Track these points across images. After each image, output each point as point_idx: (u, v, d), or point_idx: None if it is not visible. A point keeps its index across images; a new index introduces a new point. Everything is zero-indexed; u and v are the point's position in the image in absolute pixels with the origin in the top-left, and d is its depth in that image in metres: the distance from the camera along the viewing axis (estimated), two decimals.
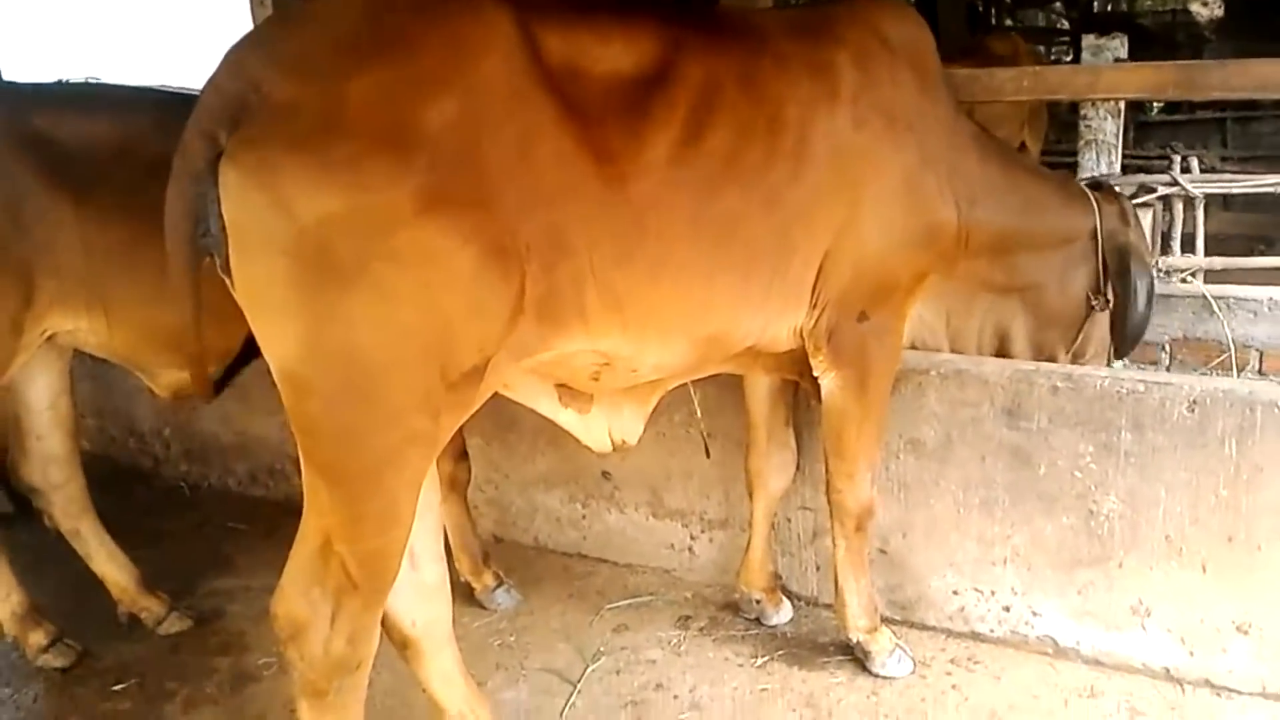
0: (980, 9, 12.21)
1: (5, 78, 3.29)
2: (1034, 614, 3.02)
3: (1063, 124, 8.37)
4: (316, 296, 1.85)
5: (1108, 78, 3.09)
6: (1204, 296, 3.83)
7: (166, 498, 4.54)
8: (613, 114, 2.18)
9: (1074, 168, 5.39)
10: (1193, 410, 2.74)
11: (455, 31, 2.00)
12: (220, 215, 1.89)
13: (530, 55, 2.06)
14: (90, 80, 8.24)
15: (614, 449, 2.74)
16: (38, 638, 3.22)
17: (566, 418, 2.66)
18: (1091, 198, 3.16)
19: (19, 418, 3.23)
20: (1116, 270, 3.13)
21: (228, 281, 1.99)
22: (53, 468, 3.27)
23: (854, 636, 2.99)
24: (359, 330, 1.88)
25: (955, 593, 3.13)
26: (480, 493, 3.88)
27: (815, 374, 2.73)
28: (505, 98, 2.01)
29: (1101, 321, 3.25)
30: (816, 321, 2.64)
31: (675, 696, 2.92)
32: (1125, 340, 3.21)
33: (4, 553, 3.20)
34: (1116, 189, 3.32)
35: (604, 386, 2.53)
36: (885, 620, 3.17)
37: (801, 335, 2.67)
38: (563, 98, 2.09)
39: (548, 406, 2.64)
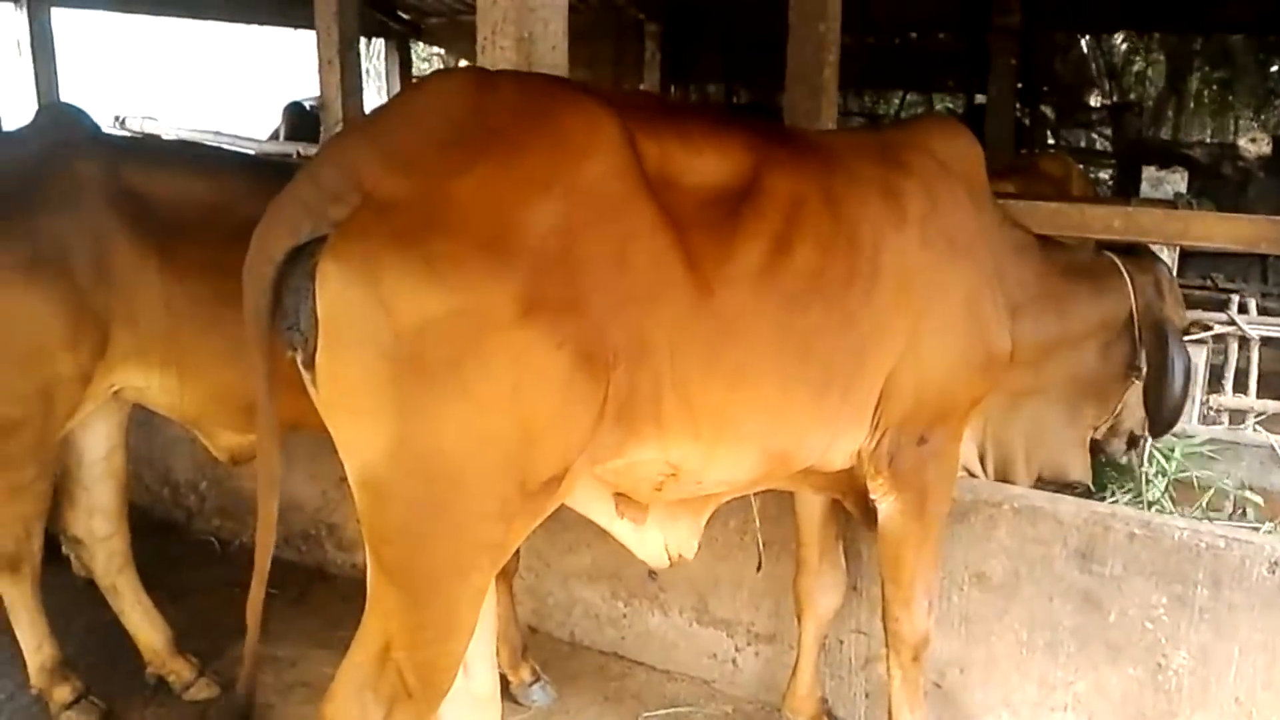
0: (1025, 124, 12.36)
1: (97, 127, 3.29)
2: None
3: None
4: (407, 398, 1.81)
5: (1199, 226, 3.08)
6: (1271, 447, 3.76)
7: (197, 552, 4.47)
8: (704, 222, 2.17)
9: None
10: (1273, 572, 2.67)
11: (561, 131, 2.00)
12: (313, 311, 1.87)
13: (631, 159, 2.06)
14: (148, 119, 8.38)
15: (670, 563, 2.68)
16: (63, 693, 3.14)
17: (621, 528, 2.61)
18: (1125, 274, 3.11)
19: (70, 467, 3.19)
20: (1153, 345, 3.08)
21: (307, 377, 1.97)
22: (99, 520, 3.23)
23: None
24: (444, 435, 1.84)
25: None
26: (519, 580, 3.80)
27: (873, 497, 2.68)
28: (606, 201, 2.00)
29: (1138, 391, 3.20)
30: (878, 444, 2.60)
31: None
32: (1161, 417, 3.14)
33: (41, 603, 3.13)
34: (1151, 254, 3.26)
35: (664, 498, 2.48)
36: None
37: (860, 457, 2.63)
38: (659, 204, 2.09)
39: (602, 516, 2.58)
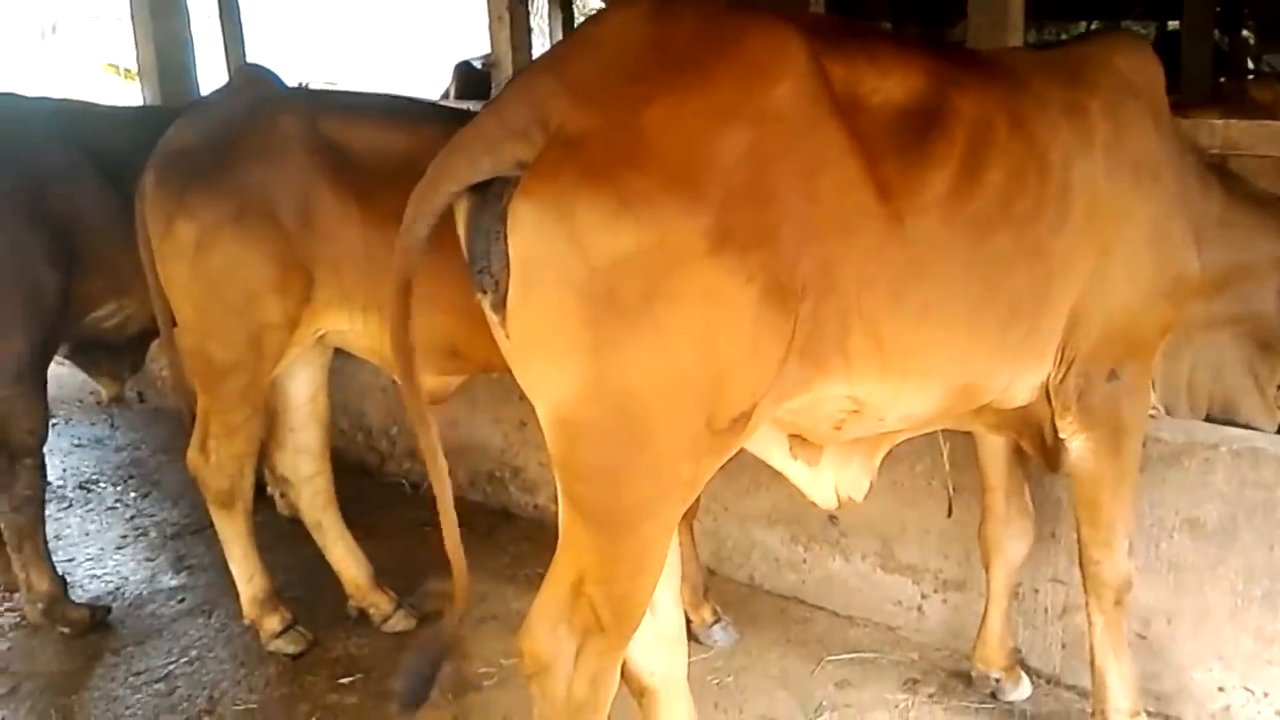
0: (1225, 49, 11.45)
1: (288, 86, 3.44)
2: None
3: None
4: (601, 336, 1.80)
5: None
6: None
7: (389, 494, 4.68)
8: (892, 148, 2.08)
9: None
10: None
11: (747, 56, 1.93)
12: (504, 252, 1.87)
13: (820, 83, 1.98)
14: (329, 84, 8.73)
15: (839, 505, 2.63)
16: (273, 623, 3.35)
17: (796, 470, 2.56)
18: None
19: (278, 410, 3.37)
20: None
21: (495, 320, 1.97)
22: (305, 460, 3.40)
23: (1112, 719, 2.76)
24: (638, 372, 1.83)
25: (1221, 689, 2.85)
26: (697, 523, 3.82)
27: (1063, 435, 2.56)
28: (797, 127, 1.93)
29: None
30: (1064, 379, 2.48)
31: None
32: None
33: (253, 537, 3.33)
34: None
35: (844, 436, 2.41)
36: None
37: (1047, 394, 2.50)
38: (848, 129, 2.00)
39: (778, 457, 2.54)
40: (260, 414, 3.19)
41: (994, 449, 2.85)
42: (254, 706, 3.09)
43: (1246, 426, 3.01)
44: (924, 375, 2.24)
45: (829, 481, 2.55)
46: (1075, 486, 2.61)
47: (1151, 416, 2.87)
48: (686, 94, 1.86)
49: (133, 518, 4.53)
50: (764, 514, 3.67)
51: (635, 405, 1.85)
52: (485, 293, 1.97)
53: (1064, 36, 12.57)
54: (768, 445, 2.47)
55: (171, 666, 3.32)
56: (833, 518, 3.50)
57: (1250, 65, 12.22)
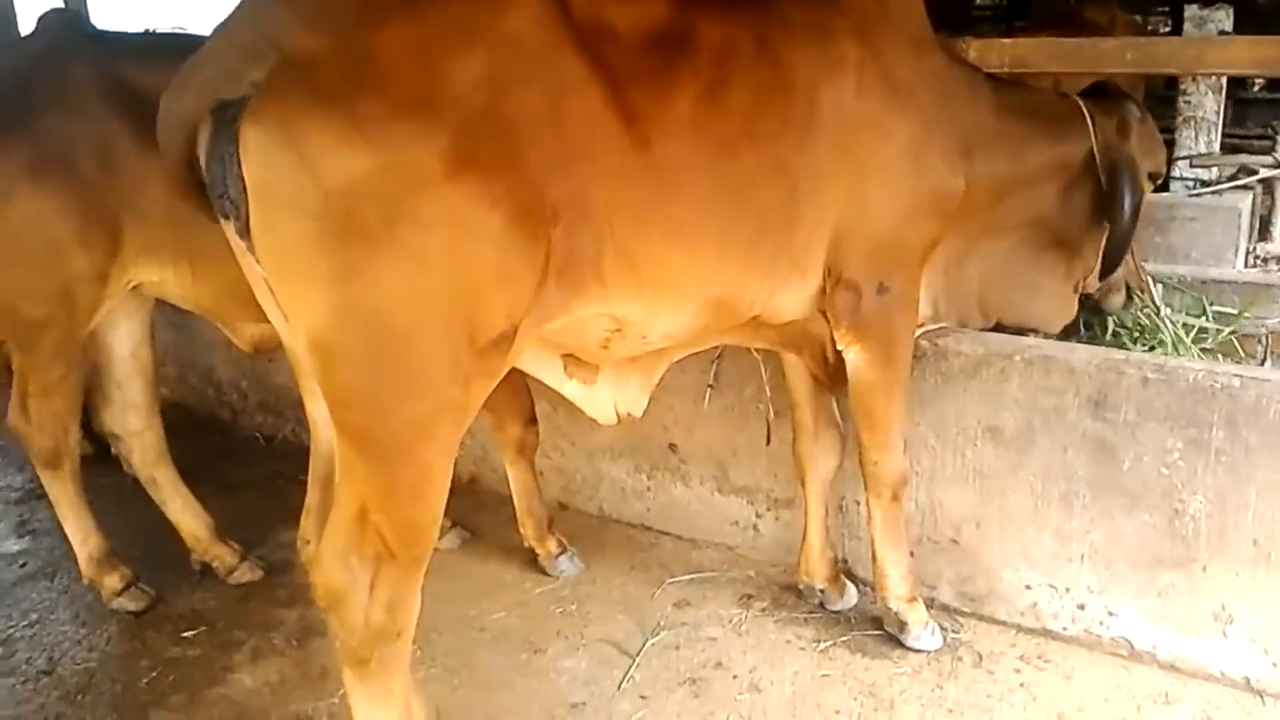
0: None
1: (95, 29, 3.30)
2: (1110, 614, 2.92)
3: (1159, 99, 8.04)
4: (343, 260, 1.81)
5: (1218, 51, 2.92)
6: None
7: (242, 448, 4.63)
8: (636, 73, 2.14)
9: (1171, 145, 5.17)
10: None
11: None
12: (240, 178, 1.84)
13: (558, 10, 2.02)
14: (178, 30, 8.36)
15: (619, 421, 2.73)
16: (113, 581, 3.31)
17: (572, 389, 2.65)
18: (1086, 114, 3.02)
19: (101, 365, 3.29)
20: (1108, 184, 3.00)
21: (242, 246, 1.96)
22: (132, 415, 3.34)
23: (893, 605, 2.95)
24: (386, 295, 1.84)
25: (1028, 588, 3.03)
26: (546, 459, 3.88)
27: (840, 348, 2.70)
28: (535, 53, 1.96)
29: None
30: (834, 293, 2.60)
31: (734, 676, 2.89)
32: (1107, 259, 3.09)
33: (84, 496, 3.27)
34: (1122, 95, 3.15)
35: (613, 355, 2.50)
36: (955, 612, 3.12)
37: (820, 310, 2.64)
38: (589, 55, 2.05)
39: (553, 377, 2.63)
40: (78, 371, 3.10)
41: (797, 366, 2.97)
42: (93, 665, 3.06)
43: (1038, 331, 3.19)
44: (677, 293, 2.33)
45: (607, 399, 2.63)
46: (853, 395, 2.76)
47: (932, 330, 3.02)
48: (420, 17, 1.86)
49: None
50: (608, 447, 3.74)
51: (386, 329, 1.86)
52: (228, 219, 1.95)
53: None
54: (541, 366, 2.54)
55: (11, 630, 3.26)
56: (672, 445, 3.59)
57: None
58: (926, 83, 2.65)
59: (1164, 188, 5.31)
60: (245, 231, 1.89)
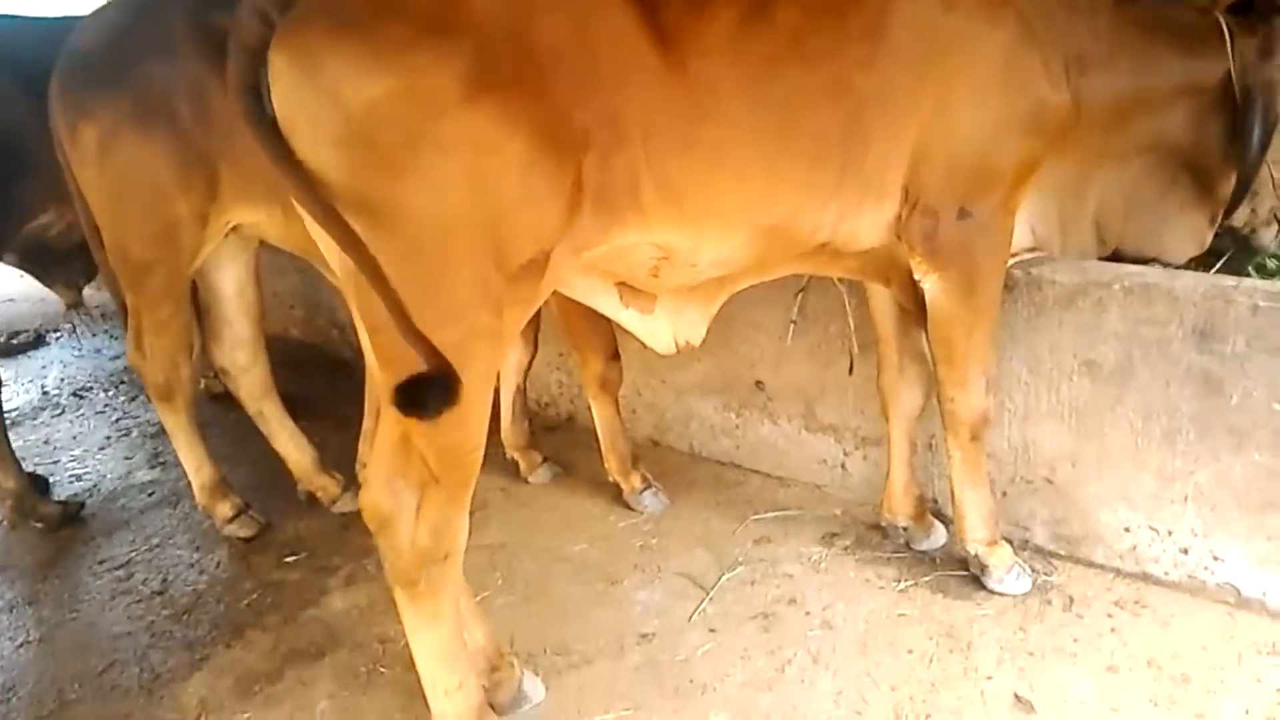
0: None
1: None
2: (1215, 559, 2.72)
3: None
4: (367, 186, 1.82)
5: None
6: None
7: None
8: None
9: None
10: None
11: None
12: (272, 104, 1.86)
13: None
14: None
15: (677, 350, 2.66)
16: (224, 509, 3.51)
17: (628, 317, 2.59)
18: (1226, 32, 2.71)
19: (210, 305, 3.47)
20: (1242, 109, 2.70)
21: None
22: (240, 352, 3.51)
23: (971, 549, 2.84)
24: (413, 221, 1.84)
25: (1127, 530, 2.86)
26: (638, 396, 3.88)
27: (916, 277, 2.55)
28: None
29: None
30: (909, 218, 2.45)
31: (807, 613, 2.84)
32: (1236, 191, 2.79)
33: (196, 429, 3.47)
34: (1274, 8, 2.79)
35: (664, 283, 2.43)
36: (1049, 554, 2.98)
37: (897, 234, 2.49)
38: None
39: (608, 305, 2.57)
40: (186, 308, 3.28)
41: (881, 299, 2.84)
42: (202, 587, 3.26)
43: (1162, 262, 2.96)
44: (723, 220, 2.24)
45: (665, 328, 2.57)
46: (931, 327, 2.61)
47: (1027, 258, 2.84)
48: None
49: (118, 420, 4.74)
50: (697, 384, 3.71)
51: (414, 255, 1.87)
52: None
53: None
54: (596, 294, 2.51)
55: (133, 554, 3.51)
56: (759, 383, 3.53)
57: None
58: None
59: None
60: None
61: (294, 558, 3.37)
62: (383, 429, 2.12)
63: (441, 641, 2.26)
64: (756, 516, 3.34)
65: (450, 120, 1.81)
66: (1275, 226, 3.08)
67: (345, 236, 1.83)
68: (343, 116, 1.78)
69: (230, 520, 3.51)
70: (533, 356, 3.66)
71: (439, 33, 1.80)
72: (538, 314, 3.58)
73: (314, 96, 1.79)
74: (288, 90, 1.83)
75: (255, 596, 3.17)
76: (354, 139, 1.80)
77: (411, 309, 1.89)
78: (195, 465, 3.48)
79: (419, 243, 1.87)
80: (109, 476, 4.14)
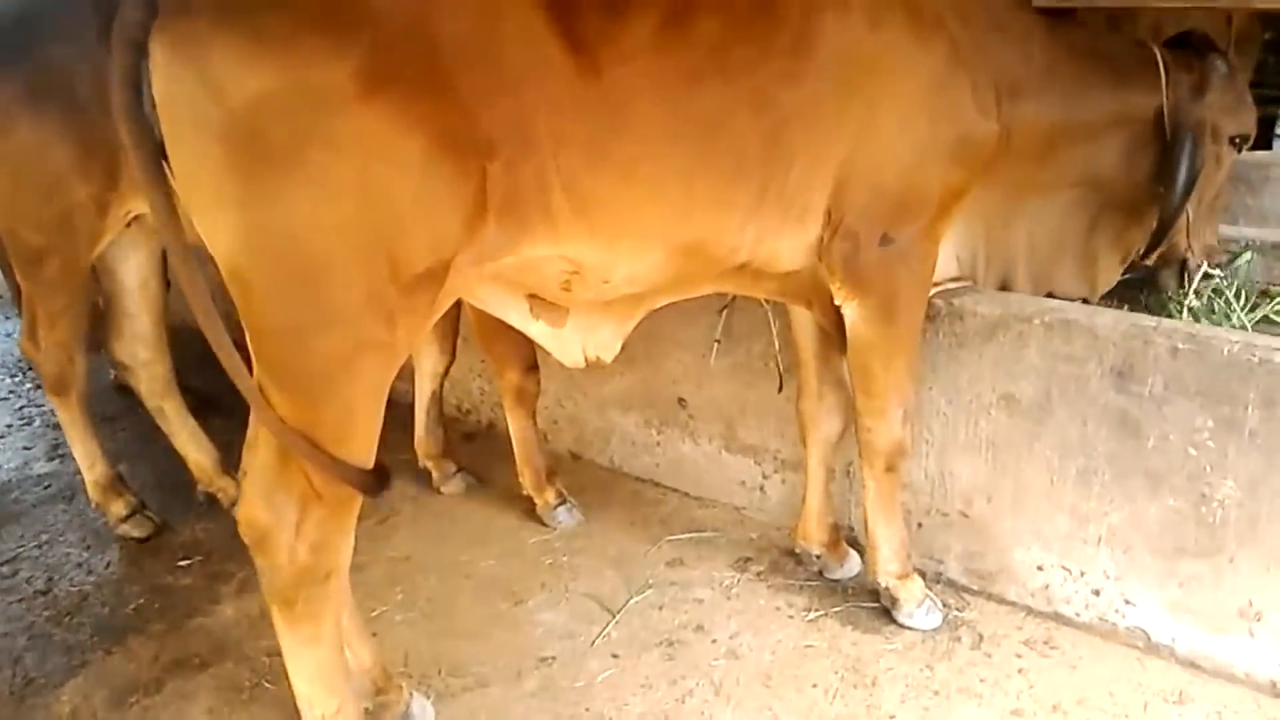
0: None
1: None
2: (1127, 602, 2.69)
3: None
4: (250, 184, 1.71)
5: None
6: None
7: None
8: None
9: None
10: None
11: None
12: (151, 95, 1.75)
13: None
14: None
15: (586, 365, 2.57)
16: (118, 508, 3.36)
17: (538, 330, 2.49)
18: (1161, 66, 2.70)
19: (113, 297, 3.32)
20: (1167, 147, 2.69)
21: (167, 168, 1.84)
22: (141, 346, 3.36)
23: (882, 581, 2.79)
24: (296, 222, 1.74)
25: (1040, 568, 2.82)
26: (560, 408, 3.79)
27: (836, 302, 2.49)
28: None
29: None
30: (831, 242, 2.38)
31: (714, 640, 2.76)
32: (1156, 230, 2.79)
33: (91, 425, 3.32)
34: (1210, 47, 2.80)
35: (576, 297, 2.34)
36: (962, 589, 2.94)
37: (818, 257, 2.42)
38: None
39: (517, 317, 2.46)
40: (82, 301, 3.13)
41: (803, 322, 2.78)
42: (88, 588, 3.11)
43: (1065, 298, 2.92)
44: (637, 236, 2.15)
45: (576, 342, 2.48)
46: (850, 354, 2.56)
47: (950, 288, 2.80)
48: None
49: (21, 407, 4.54)
50: (619, 399, 3.63)
51: (298, 257, 1.76)
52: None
53: None
54: (504, 305, 2.41)
55: (21, 550, 3.34)
56: (682, 400, 3.45)
57: None
58: (958, 13, 2.40)
59: (1265, 145, 4.88)
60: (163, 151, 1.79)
61: (188, 562, 3.22)
62: (262, 439, 2.01)
63: (320, 664, 2.14)
64: (671, 537, 3.26)
65: (342, 118, 1.71)
66: (1176, 270, 3.06)
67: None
68: (225, 110, 1.67)
69: (124, 519, 3.36)
70: (449, 363, 3.55)
71: (332, 25, 1.69)
72: (456, 319, 3.48)
73: (196, 89, 1.68)
74: (167, 82, 1.71)
75: (143, 601, 3.02)
76: (237, 133, 1.68)
77: (291, 316, 1.79)
78: (89, 461, 3.32)
79: (301, 245, 1.76)
80: (5, 467, 3.95)
